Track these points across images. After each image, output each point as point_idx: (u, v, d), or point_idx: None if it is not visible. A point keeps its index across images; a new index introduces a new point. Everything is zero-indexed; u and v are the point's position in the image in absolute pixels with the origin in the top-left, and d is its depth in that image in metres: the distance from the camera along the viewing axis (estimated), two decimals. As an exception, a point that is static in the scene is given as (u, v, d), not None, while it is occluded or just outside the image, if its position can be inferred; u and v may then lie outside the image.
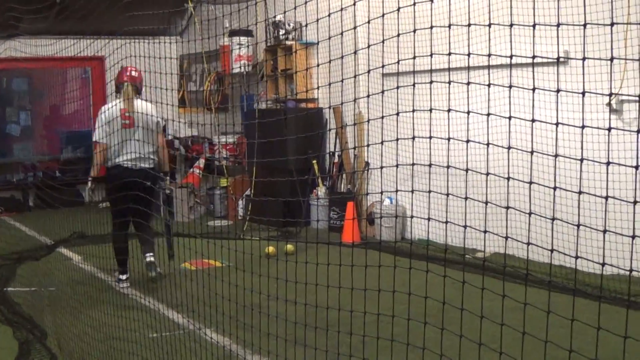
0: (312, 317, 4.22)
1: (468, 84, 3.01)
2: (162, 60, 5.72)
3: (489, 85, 2.95)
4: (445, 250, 3.17)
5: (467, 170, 2.92)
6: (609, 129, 2.44)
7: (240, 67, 11.60)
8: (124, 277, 7.10)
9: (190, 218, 11.16)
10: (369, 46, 3.49)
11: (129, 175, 6.82)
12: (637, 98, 6.44)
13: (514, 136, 2.94)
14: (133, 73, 7.05)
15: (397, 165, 3.35)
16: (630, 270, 2.40)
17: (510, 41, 2.94)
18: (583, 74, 2.51)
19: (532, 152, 2.72)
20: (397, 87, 3.21)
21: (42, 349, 5.14)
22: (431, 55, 3.05)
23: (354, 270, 3.56)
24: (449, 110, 2.99)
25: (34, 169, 13.51)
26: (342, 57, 3.78)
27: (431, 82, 3.06)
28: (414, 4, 3.02)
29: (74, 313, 5.65)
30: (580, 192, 2.50)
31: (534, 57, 2.83)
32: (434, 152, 3.14)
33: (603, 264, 2.50)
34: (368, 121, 3.93)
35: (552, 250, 2.58)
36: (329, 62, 3.88)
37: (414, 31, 3.12)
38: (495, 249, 7.81)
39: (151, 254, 6.98)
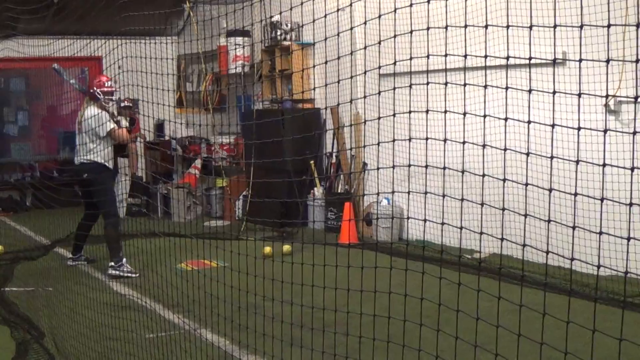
0: (308, 317, 4.23)
1: (465, 85, 3.01)
2: (159, 61, 5.71)
3: (485, 86, 2.95)
4: (442, 251, 3.17)
5: (463, 171, 2.92)
6: (605, 131, 2.44)
7: (237, 68, 11.60)
8: (72, 256, 8.16)
9: (187, 218, 11.15)
10: (365, 47, 3.48)
11: (76, 173, 8.02)
12: (634, 99, 6.44)
13: (510, 137, 2.94)
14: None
15: (393, 167, 3.35)
16: (626, 272, 2.40)
17: (507, 42, 2.95)
18: (580, 75, 2.52)
19: (528, 154, 2.72)
20: (394, 88, 3.22)
21: (39, 349, 5.13)
22: (428, 56, 3.05)
23: (350, 271, 3.55)
24: (445, 112, 2.99)
25: (31, 169, 13.49)
26: (338, 58, 3.78)
27: (428, 83, 3.06)
28: (411, 5, 3.02)
29: (71, 313, 5.64)
30: (576, 194, 2.50)
31: (530, 58, 2.83)
32: (431, 153, 3.15)
33: (599, 266, 2.50)
34: (365, 122, 3.92)
35: (547, 252, 2.58)
36: (326, 62, 3.88)
37: (411, 32, 3.12)
38: (491, 250, 7.82)
39: (111, 263, 7.67)
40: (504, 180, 2.81)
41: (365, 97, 3.51)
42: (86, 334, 5.16)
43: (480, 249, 7.55)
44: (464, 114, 2.93)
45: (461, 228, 2.89)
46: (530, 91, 2.73)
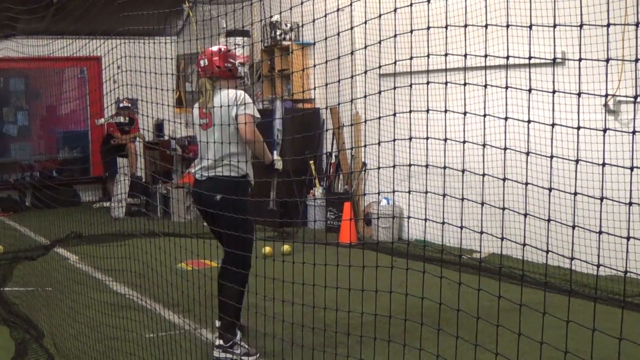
0: (309, 317, 4.23)
1: (465, 84, 3.02)
2: (159, 61, 5.71)
3: (485, 85, 2.95)
4: (442, 251, 3.18)
5: (463, 171, 2.92)
6: (604, 130, 2.44)
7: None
8: (222, 343, 4.89)
9: (187, 218, 11.15)
10: (365, 47, 3.49)
11: (196, 191, 5.15)
12: (633, 99, 6.45)
13: (510, 137, 2.94)
14: (202, 63, 5.49)
15: (394, 166, 3.35)
16: (626, 272, 2.40)
17: (507, 42, 2.95)
18: (579, 75, 2.52)
19: (527, 153, 2.72)
20: (394, 88, 3.22)
21: (38, 349, 5.13)
22: (428, 55, 3.05)
23: (351, 270, 3.56)
24: (445, 111, 2.99)
25: (31, 168, 13.50)
26: (338, 58, 3.79)
27: (428, 82, 3.07)
28: (411, 4, 3.02)
29: (71, 313, 5.64)
30: (575, 193, 2.51)
31: (530, 57, 2.83)
32: (431, 152, 3.15)
33: (598, 265, 2.50)
34: (365, 122, 3.92)
35: (547, 251, 2.58)
36: (326, 62, 3.88)
37: (411, 32, 3.12)
38: (491, 250, 7.82)
39: (219, 342, 4.90)
40: (504, 179, 2.82)
41: (365, 96, 3.51)
42: (86, 334, 5.16)
43: (481, 249, 7.55)
44: (464, 113, 2.94)
45: (462, 228, 2.89)
46: (530, 91, 2.74)
